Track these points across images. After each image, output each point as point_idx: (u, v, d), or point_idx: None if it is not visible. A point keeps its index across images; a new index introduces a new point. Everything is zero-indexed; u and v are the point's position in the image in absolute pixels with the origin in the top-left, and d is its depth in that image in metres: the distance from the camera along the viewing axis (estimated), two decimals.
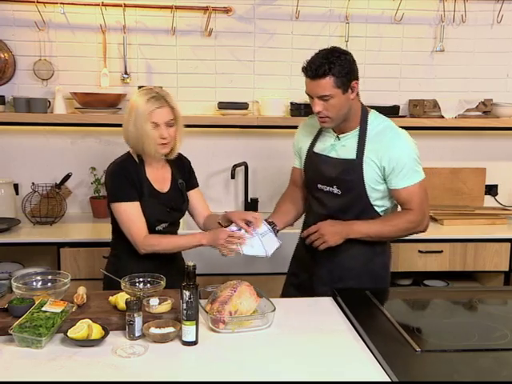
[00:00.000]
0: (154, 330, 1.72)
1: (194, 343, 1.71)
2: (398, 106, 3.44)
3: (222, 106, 3.28)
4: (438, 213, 3.38)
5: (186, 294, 1.69)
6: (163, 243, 2.16)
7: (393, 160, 2.07)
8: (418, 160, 2.12)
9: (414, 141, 2.15)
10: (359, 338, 1.77)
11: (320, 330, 1.84)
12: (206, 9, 3.27)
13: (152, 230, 2.19)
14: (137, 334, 1.73)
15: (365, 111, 2.16)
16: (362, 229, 2.13)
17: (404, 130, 2.16)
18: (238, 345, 1.72)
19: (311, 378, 1.53)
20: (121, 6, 3.21)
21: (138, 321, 1.72)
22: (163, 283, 1.95)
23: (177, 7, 3.25)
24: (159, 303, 1.83)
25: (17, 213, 3.20)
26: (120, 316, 1.79)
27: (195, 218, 2.40)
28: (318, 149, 2.24)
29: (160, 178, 2.25)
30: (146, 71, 3.34)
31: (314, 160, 2.24)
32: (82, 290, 1.91)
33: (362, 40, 3.45)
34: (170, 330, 1.72)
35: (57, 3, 3.16)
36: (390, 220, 2.18)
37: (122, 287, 1.91)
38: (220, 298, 1.87)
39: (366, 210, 2.16)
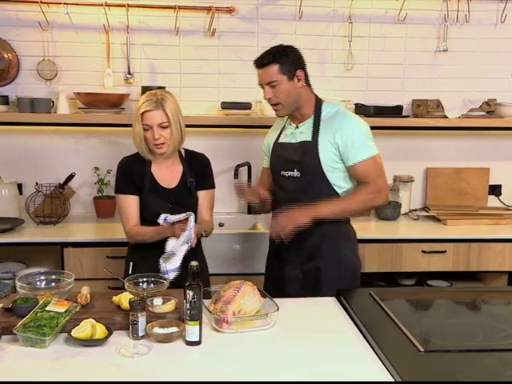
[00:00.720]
0: (157, 330, 1.72)
1: (198, 343, 1.71)
2: (402, 106, 3.43)
3: (225, 105, 3.28)
4: (442, 213, 3.37)
5: (190, 293, 1.69)
6: (141, 234, 2.29)
7: (344, 136, 2.23)
8: (369, 136, 2.28)
9: (366, 121, 2.32)
10: (362, 338, 1.77)
11: (323, 330, 1.84)
12: (209, 9, 3.27)
13: (155, 222, 2.24)
14: (140, 334, 1.73)
15: (319, 101, 2.35)
16: (325, 207, 2.23)
17: (355, 114, 2.36)
18: (241, 345, 1.72)
19: (314, 377, 1.53)
20: (124, 6, 3.21)
21: (142, 321, 1.72)
22: (167, 283, 1.95)
23: (180, 7, 3.26)
24: (163, 303, 1.84)
25: (20, 213, 3.20)
26: (124, 316, 1.79)
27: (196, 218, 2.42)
28: (281, 140, 2.42)
29: (167, 174, 2.35)
30: (150, 71, 3.35)
31: (277, 149, 2.42)
32: (85, 290, 1.92)
33: (366, 40, 3.45)
34: (174, 329, 1.73)
35: (60, 3, 3.17)
36: (350, 196, 2.31)
37: (126, 287, 1.91)
38: (223, 297, 1.87)
39: (325, 191, 2.28)
